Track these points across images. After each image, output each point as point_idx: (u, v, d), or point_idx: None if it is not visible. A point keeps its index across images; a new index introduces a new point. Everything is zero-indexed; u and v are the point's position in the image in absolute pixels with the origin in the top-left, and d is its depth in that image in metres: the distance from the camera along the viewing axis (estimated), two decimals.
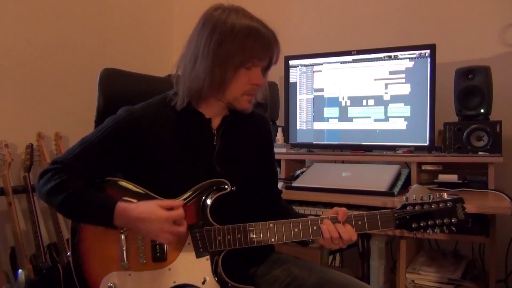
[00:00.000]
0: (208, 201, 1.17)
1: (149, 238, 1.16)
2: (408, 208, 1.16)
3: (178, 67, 1.22)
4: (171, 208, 1.12)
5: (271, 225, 1.16)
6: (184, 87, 1.20)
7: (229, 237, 1.16)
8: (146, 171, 1.20)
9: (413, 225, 1.15)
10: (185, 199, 1.18)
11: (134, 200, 1.18)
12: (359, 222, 1.16)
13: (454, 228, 1.15)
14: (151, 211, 1.11)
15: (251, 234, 1.16)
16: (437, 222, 1.15)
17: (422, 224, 1.15)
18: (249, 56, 1.14)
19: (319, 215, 1.20)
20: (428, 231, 1.15)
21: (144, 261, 1.17)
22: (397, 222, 1.16)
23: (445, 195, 1.17)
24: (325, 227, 1.15)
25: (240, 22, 1.13)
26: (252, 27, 1.14)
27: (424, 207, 1.16)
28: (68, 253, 1.27)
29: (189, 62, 1.17)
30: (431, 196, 1.17)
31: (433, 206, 1.16)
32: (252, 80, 1.18)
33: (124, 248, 1.17)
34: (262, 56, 1.17)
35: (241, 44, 1.12)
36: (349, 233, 1.14)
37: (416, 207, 1.16)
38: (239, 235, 1.16)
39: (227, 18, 1.13)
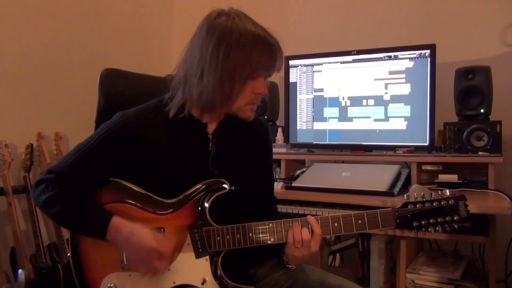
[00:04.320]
0: (207, 202, 1.17)
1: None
2: (409, 206, 1.15)
3: (178, 70, 1.20)
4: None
5: (270, 225, 1.16)
6: (187, 96, 1.18)
7: (228, 237, 1.16)
8: (142, 176, 1.19)
9: (414, 224, 1.15)
10: (183, 199, 1.18)
11: (133, 202, 1.18)
12: (359, 221, 1.16)
13: (456, 226, 1.15)
14: (143, 236, 1.11)
15: (250, 234, 1.16)
16: (439, 220, 1.14)
17: (423, 223, 1.14)
18: (256, 68, 1.13)
19: (319, 215, 1.20)
20: (429, 229, 1.15)
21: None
22: (397, 221, 1.15)
23: (447, 192, 1.16)
24: (291, 230, 1.15)
25: (246, 31, 1.11)
26: (259, 36, 1.12)
27: (426, 205, 1.15)
28: (68, 254, 1.27)
29: (195, 73, 1.14)
30: (433, 194, 1.16)
31: (434, 204, 1.15)
32: (256, 89, 1.17)
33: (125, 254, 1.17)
34: (269, 67, 1.16)
35: (248, 56, 1.10)
36: (306, 236, 1.14)
37: (417, 206, 1.15)
38: (238, 235, 1.16)
39: (233, 26, 1.10)
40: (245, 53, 1.10)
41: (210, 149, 1.24)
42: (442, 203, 1.15)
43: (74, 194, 1.15)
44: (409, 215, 1.15)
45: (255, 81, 1.15)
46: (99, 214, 1.15)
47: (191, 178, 1.20)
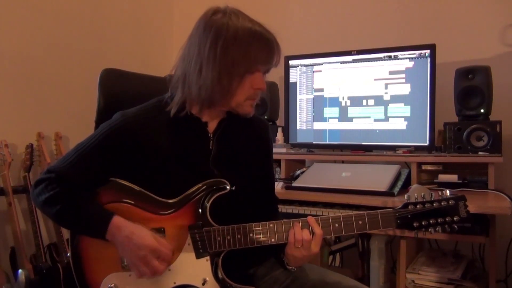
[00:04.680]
0: (208, 202, 1.17)
1: (127, 261, 1.15)
2: (409, 207, 1.16)
3: (176, 69, 1.20)
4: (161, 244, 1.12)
5: (271, 225, 1.16)
6: (186, 94, 1.17)
7: (228, 237, 1.16)
8: (142, 175, 1.19)
9: (414, 224, 1.15)
10: (184, 199, 1.18)
11: (132, 202, 1.18)
12: (360, 222, 1.16)
13: (456, 227, 1.15)
14: (143, 236, 1.11)
15: (251, 235, 1.16)
16: (439, 220, 1.14)
17: (423, 223, 1.14)
18: (254, 62, 1.13)
19: (319, 215, 1.20)
20: (430, 230, 1.15)
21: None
22: (398, 221, 1.15)
23: (448, 193, 1.16)
24: (292, 229, 1.15)
25: (243, 27, 1.11)
26: (255, 31, 1.12)
27: (426, 205, 1.15)
28: (68, 254, 1.27)
29: (194, 69, 1.13)
30: (433, 195, 1.16)
31: (435, 205, 1.15)
32: (255, 84, 1.16)
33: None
34: (266, 61, 1.16)
35: (246, 51, 1.11)
36: (306, 236, 1.14)
37: (418, 206, 1.15)
38: (238, 236, 1.15)
39: (229, 23, 1.11)
40: (242, 48, 1.11)
41: (210, 148, 1.24)
42: (442, 203, 1.15)
43: (74, 194, 1.15)
44: (409, 216, 1.15)
45: (253, 76, 1.15)
46: (100, 213, 1.15)
47: (191, 177, 1.19)
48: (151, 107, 1.24)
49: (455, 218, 1.14)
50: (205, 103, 1.17)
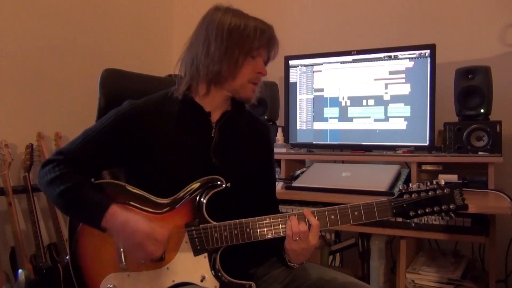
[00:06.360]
0: (204, 199, 1.18)
1: (124, 248, 1.16)
2: (404, 196, 1.16)
3: (182, 61, 1.26)
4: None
5: (267, 220, 1.17)
6: (194, 74, 1.22)
7: (225, 233, 1.16)
8: (147, 163, 1.22)
9: (410, 213, 1.15)
10: (179, 198, 1.19)
11: (128, 202, 1.19)
12: (356, 213, 1.16)
13: (452, 214, 1.15)
14: (138, 222, 1.12)
15: (248, 230, 1.16)
16: (435, 209, 1.15)
17: (419, 212, 1.15)
18: (257, 46, 1.21)
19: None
20: (425, 218, 1.15)
21: (142, 261, 1.17)
22: (394, 211, 1.16)
23: (443, 181, 1.17)
24: (289, 222, 1.16)
25: (245, 20, 1.21)
26: (256, 24, 1.21)
27: (421, 194, 1.15)
28: (67, 257, 1.27)
29: (202, 51, 1.21)
30: (428, 184, 1.17)
31: (430, 193, 1.15)
32: (257, 69, 1.23)
33: (121, 249, 1.17)
34: (267, 46, 1.24)
35: (249, 35, 1.19)
36: (303, 227, 1.15)
37: (413, 195, 1.16)
38: (235, 232, 1.16)
39: (232, 18, 1.20)
40: (246, 32, 1.19)
41: (212, 135, 1.26)
42: (438, 192, 1.15)
43: (80, 176, 1.17)
44: (405, 205, 1.15)
45: (255, 60, 1.23)
46: (100, 199, 1.16)
47: (192, 165, 1.23)
48: (158, 97, 1.29)
49: (451, 206, 1.14)
50: (212, 80, 1.22)
